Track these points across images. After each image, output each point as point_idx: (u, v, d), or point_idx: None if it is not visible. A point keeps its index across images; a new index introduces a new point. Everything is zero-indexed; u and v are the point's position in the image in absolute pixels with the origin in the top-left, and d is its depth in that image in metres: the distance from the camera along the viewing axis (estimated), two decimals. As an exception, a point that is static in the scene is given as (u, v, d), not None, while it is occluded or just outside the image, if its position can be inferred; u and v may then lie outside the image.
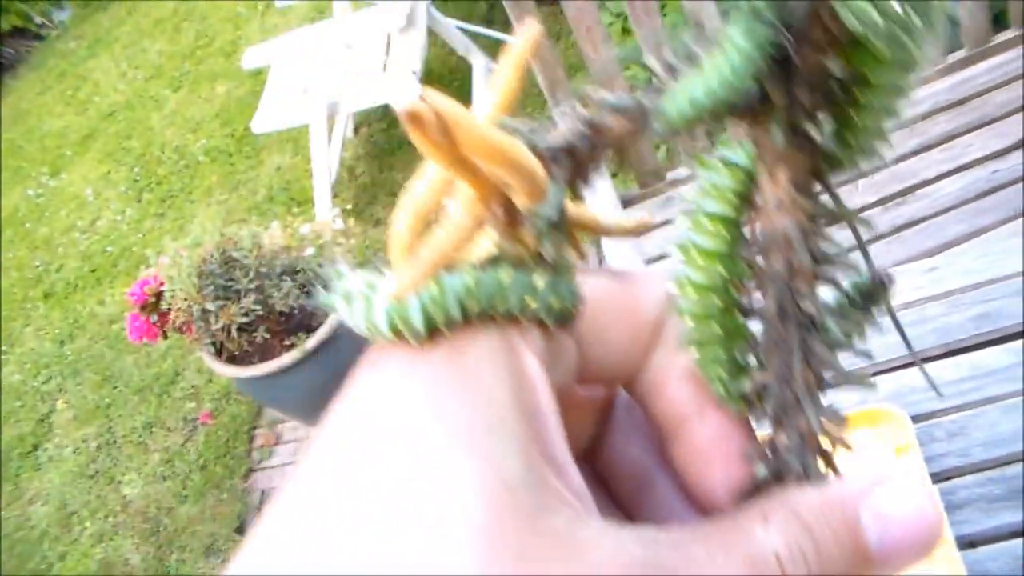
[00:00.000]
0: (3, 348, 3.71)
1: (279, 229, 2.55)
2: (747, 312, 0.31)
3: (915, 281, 1.22)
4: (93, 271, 3.89)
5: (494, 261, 0.29)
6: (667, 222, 1.98)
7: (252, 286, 2.35)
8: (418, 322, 0.28)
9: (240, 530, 2.69)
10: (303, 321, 2.50)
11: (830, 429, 0.29)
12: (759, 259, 0.30)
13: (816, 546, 0.25)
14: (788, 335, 0.29)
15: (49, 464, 3.18)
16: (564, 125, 0.33)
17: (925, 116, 1.98)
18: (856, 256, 0.31)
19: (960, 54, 2.05)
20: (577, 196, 0.31)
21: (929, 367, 1.12)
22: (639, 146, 2.03)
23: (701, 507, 0.31)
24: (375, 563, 0.22)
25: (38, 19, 6.02)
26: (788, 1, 0.26)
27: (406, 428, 0.24)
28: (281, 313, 2.43)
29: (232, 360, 2.50)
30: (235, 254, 2.39)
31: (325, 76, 3.18)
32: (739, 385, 0.30)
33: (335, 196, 3.34)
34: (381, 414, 0.25)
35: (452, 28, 3.52)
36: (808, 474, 0.29)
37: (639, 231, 0.38)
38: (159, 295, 2.42)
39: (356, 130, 3.79)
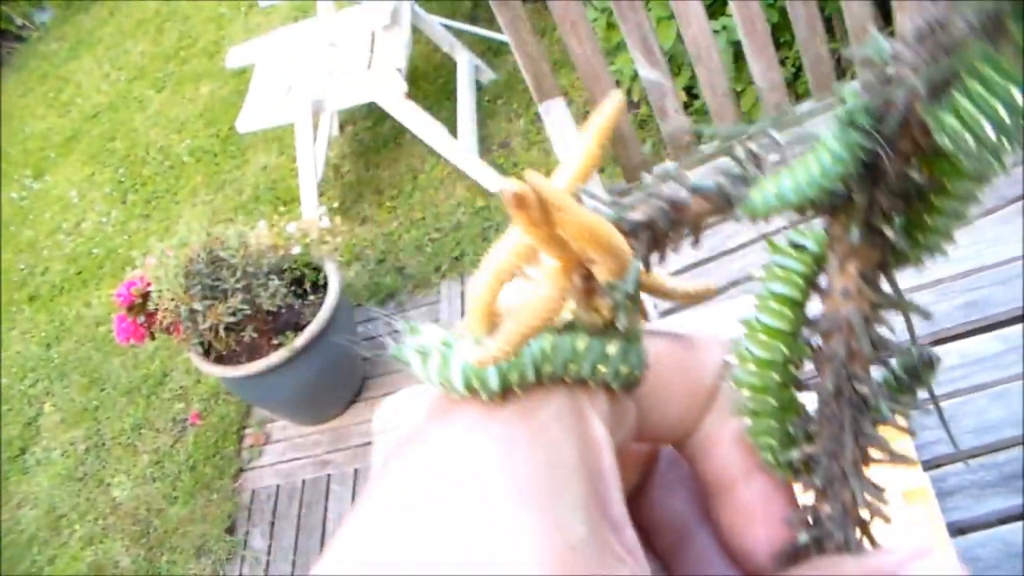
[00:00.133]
0: (-11, 352, 3.70)
1: (266, 228, 2.54)
2: (802, 387, 0.33)
3: (903, 271, 1.22)
4: (79, 273, 3.87)
5: (569, 326, 0.31)
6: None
7: (239, 285, 2.35)
8: (494, 382, 0.29)
9: (230, 530, 2.69)
10: (290, 320, 2.50)
11: (871, 502, 0.31)
12: (819, 339, 0.32)
13: None
14: (841, 413, 0.31)
15: (37, 468, 3.17)
16: (647, 202, 0.36)
17: (910, 107, 1.98)
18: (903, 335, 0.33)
19: (944, 45, 2.05)
20: (648, 267, 0.34)
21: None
22: (631, 153, 2.03)
23: (740, 565, 0.32)
24: None
25: (19, 21, 5.99)
26: (882, 112, 0.28)
27: (477, 481, 0.25)
28: (268, 312, 2.42)
29: (220, 360, 2.50)
30: (222, 253, 2.38)
31: (309, 74, 3.17)
32: (787, 454, 0.32)
33: (321, 195, 3.34)
34: (453, 466, 0.26)
35: (436, 25, 3.52)
36: (848, 544, 0.31)
37: (702, 298, 0.40)
38: (146, 296, 2.41)
39: (341, 128, 3.78)
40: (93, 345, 3.49)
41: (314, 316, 2.48)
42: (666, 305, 1.72)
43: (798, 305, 0.33)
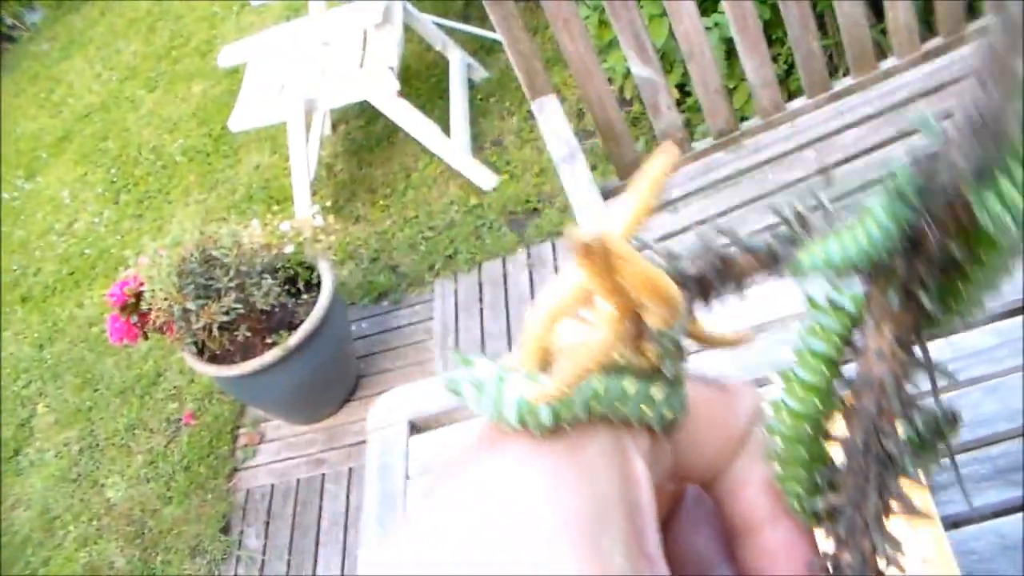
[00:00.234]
0: (-18, 353, 3.69)
1: (259, 227, 2.54)
2: (829, 438, 0.35)
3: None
4: (71, 274, 3.86)
5: (618, 368, 0.34)
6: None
7: (233, 284, 2.35)
8: (546, 419, 0.31)
9: (225, 530, 2.68)
10: (284, 319, 2.50)
11: (889, 554, 0.33)
12: (850, 395, 0.34)
13: None
14: (867, 467, 0.33)
15: (31, 469, 3.16)
16: (700, 256, 0.39)
17: (903, 103, 1.99)
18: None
19: (936, 41, 2.06)
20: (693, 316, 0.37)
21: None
22: (624, 150, 2.03)
23: None
24: None
25: (9, 21, 5.98)
26: (929, 189, 0.31)
27: (526, 512, 0.27)
28: (262, 311, 2.42)
29: (214, 359, 2.50)
30: (215, 253, 2.38)
31: (302, 73, 3.17)
32: (813, 503, 0.34)
33: (314, 193, 3.33)
34: (503, 495, 0.28)
35: (429, 24, 3.52)
36: None
37: (739, 344, 0.42)
38: (139, 295, 2.41)
39: (334, 127, 3.78)
40: (86, 345, 3.48)
41: (308, 315, 2.48)
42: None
43: (833, 363, 0.35)
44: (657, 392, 0.34)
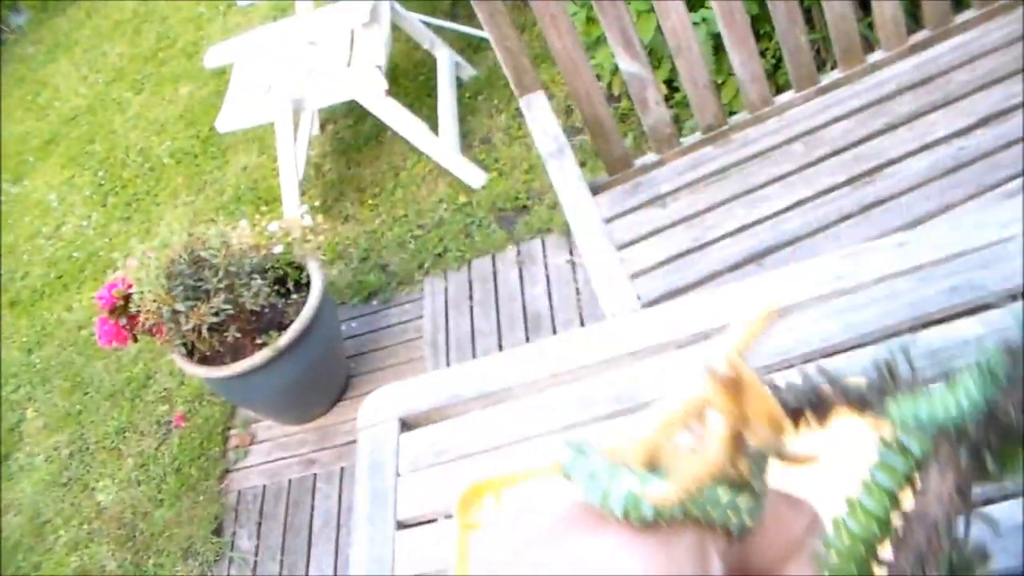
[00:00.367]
0: (-30, 358, 3.67)
1: (247, 228, 2.53)
2: (877, 560, 0.42)
3: (885, 256, 1.22)
4: (59, 277, 3.84)
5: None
6: (637, 208, 1.98)
7: (222, 285, 2.34)
8: (648, 514, 0.37)
9: (217, 531, 2.67)
10: (274, 319, 2.49)
11: None
12: (903, 525, 0.43)
13: None
14: None
15: (20, 474, 3.14)
16: (801, 391, 0.50)
17: (890, 96, 1.99)
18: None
19: (923, 34, 2.06)
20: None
21: (902, 340, 1.13)
22: (613, 146, 2.03)
23: None
24: None
25: (-5, 24, 5.95)
26: (1014, 376, 0.40)
27: None
28: (252, 312, 2.41)
29: (204, 361, 2.49)
30: (204, 254, 2.37)
31: (289, 73, 3.16)
32: None
33: (303, 194, 3.33)
34: (601, 572, 0.34)
35: (416, 22, 3.51)
36: None
37: (810, 462, 0.52)
38: (127, 298, 2.40)
39: (322, 127, 3.77)
40: (75, 349, 3.46)
41: (297, 315, 2.47)
42: (651, 296, 1.72)
43: (895, 497, 0.42)
44: (743, 502, 0.40)
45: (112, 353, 3.30)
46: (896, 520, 0.43)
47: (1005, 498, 0.96)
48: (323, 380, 2.73)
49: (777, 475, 1.10)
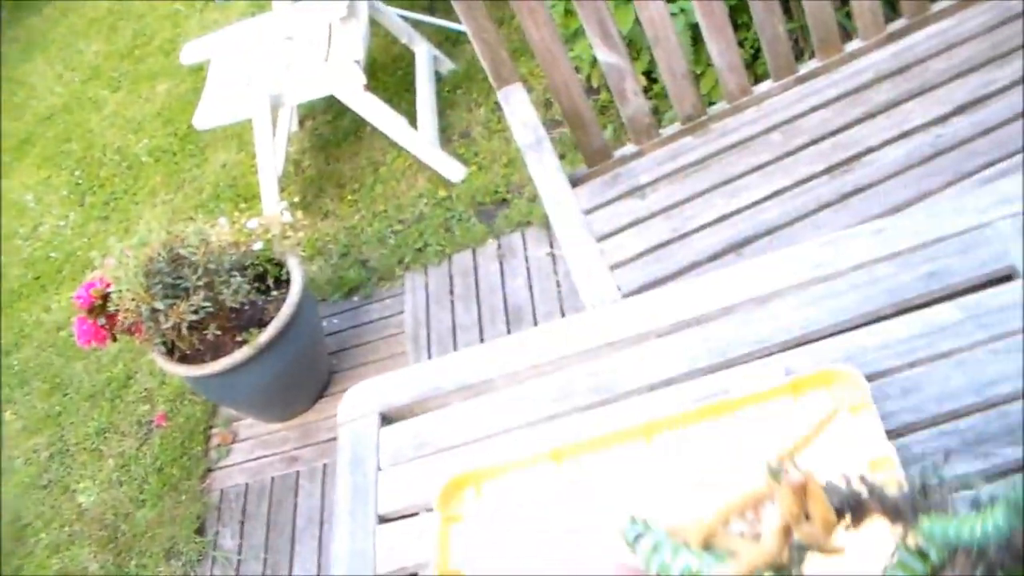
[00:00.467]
0: (-52, 360, 3.63)
1: (227, 225, 2.52)
2: None
3: (863, 243, 1.22)
4: (37, 278, 3.81)
5: None
6: (617, 199, 1.98)
7: (201, 283, 2.33)
8: None
9: (200, 531, 2.66)
10: (254, 316, 2.48)
11: None
12: None
13: None
14: None
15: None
16: (845, 496, 0.59)
17: (868, 85, 1.99)
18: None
19: (900, 23, 2.07)
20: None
21: (881, 326, 1.13)
22: (592, 138, 2.02)
23: None
24: None
25: (-31, 24, 5.90)
26: None
27: None
28: (232, 309, 2.40)
29: (184, 359, 2.47)
30: (182, 251, 2.35)
31: (266, 69, 3.14)
32: None
33: (282, 190, 3.31)
34: None
35: (394, 16, 3.50)
36: None
37: (836, 553, 0.59)
38: (106, 297, 2.38)
39: (301, 123, 3.76)
40: (54, 350, 3.44)
41: (278, 312, 2.46)
42: (631, 287, 1.72)
43: None
44: None
45: (92, 353, 3.28)
46: None
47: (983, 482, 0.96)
48: (304, 377, 2.72)
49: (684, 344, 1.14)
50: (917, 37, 2.05)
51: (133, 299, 2.31)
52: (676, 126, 2.09)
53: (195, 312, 2.31)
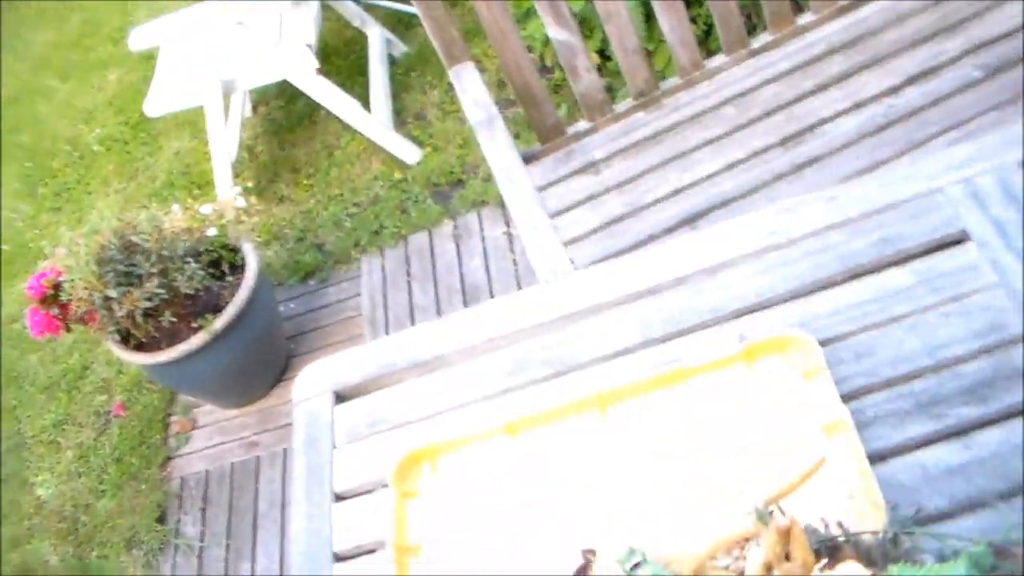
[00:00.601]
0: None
1: (180, 212, 2.49)
2: None
3: (816, 211, 1.23)
4: (-11, 271, 3.76)
5: None
6: (570, 175, 1.98)
7: (155, 270, 2.30)
8: None
9: (161, 519, 2.64)
10: (209, 302, 2.45)
11: None
12: None
13: None
14: None
15: (-44, 472, 3.08)
16: (820, 539, 0.69)
17: (820, 57, 2.00)
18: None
19: (849, -6, 2.08)
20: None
21: (835, 291, 1.14)
22: (545, 116, 2.02)
23: None
24: None
25: (-87, 15, 5.78)
26: (997, 568, 0.57)
27: None
28: (187, 295, 2.38)
29: (140, 347, 2.45)
30: (135, 238, 2.33)
31: (217, 54, 3.10)
32: None
33: (236, 176, 3.27)
34: None
35: (346, 0, 3.46)
36: None
37: None
38: (58, 287, 2.35)
39: (254, 109, 3.72)
40: (8, 343, 3.38)
41: (233, 297, 2.43)
42: (586, 262, 1.72)
43: None
44: None
45: (46, 345, 3.23)
46: None
47: (935, 442, 0.97)
48: (262, 362, 2.70)
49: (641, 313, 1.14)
50: (868, 10, 2.05)
51: (85, 288, 2.28)
52: (629, 102, 2.08)
53: (149, 299, 2.29)
